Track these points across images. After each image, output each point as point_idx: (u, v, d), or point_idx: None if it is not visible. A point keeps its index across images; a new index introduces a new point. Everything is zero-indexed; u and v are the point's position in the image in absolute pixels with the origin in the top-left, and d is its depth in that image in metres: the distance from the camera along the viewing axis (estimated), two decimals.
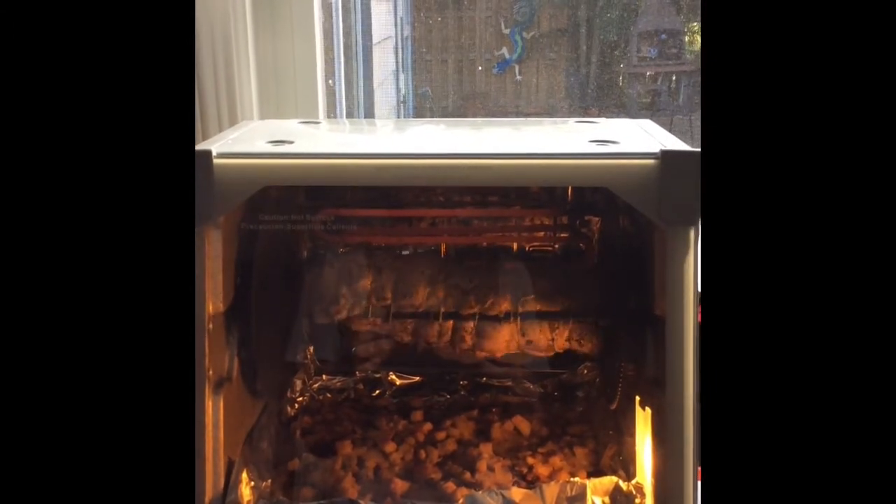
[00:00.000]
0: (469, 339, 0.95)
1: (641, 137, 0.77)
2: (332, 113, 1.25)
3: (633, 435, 0.80)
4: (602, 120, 0.90)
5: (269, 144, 0.73)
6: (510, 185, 0.75)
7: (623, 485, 0.74)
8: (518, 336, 0.95)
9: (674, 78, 1.50)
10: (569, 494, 0.72)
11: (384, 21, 1.54)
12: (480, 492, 0.73)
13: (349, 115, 1.34)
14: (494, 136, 0.88)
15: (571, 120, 0.91)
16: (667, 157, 0.65)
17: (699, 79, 0.56)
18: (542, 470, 0.85)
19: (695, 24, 1.43)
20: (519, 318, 0.94)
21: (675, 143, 0.71)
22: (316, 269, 0.94)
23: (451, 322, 0.94)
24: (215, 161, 0.67)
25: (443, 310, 0.93)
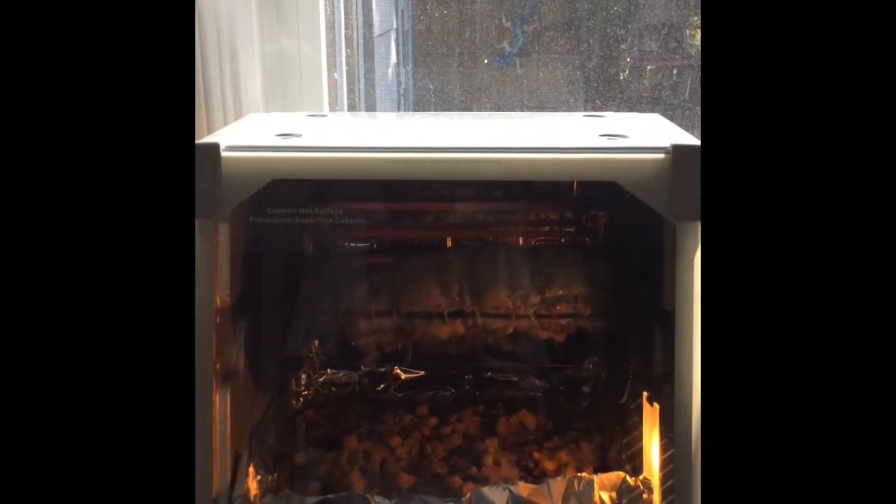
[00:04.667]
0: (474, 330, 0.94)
1: (650, 132, 0.77)
2: (335, 106, 1.25)
3: (639, 430, 0.80)
4: (610, 114, 0.89)
5: (277, 137, 0.73)
6: (520, 179, 0.75)
7: (630, 480, 0.74)
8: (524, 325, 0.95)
9: (675, 72, 1.50)
10: (576, 489, 0.72)
11: (385, 13, 1.53)
12: (487, 487, 0.73)
13: (351, 108, 1.33)
14: (502, 129, 0.88)
15: (579, 114, 0.91)
16: (678, 151, 0.65)
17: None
18: (549, 465, 0.85)
19: (697, 18, 1.42)
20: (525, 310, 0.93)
21: (685, 138, 0.70)
22: (322, 262, 0.94)
23: (457, 314, 0.94)
24: (223, 154, 0.67)
25: (448, 303, 0.93)
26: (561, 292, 0.92)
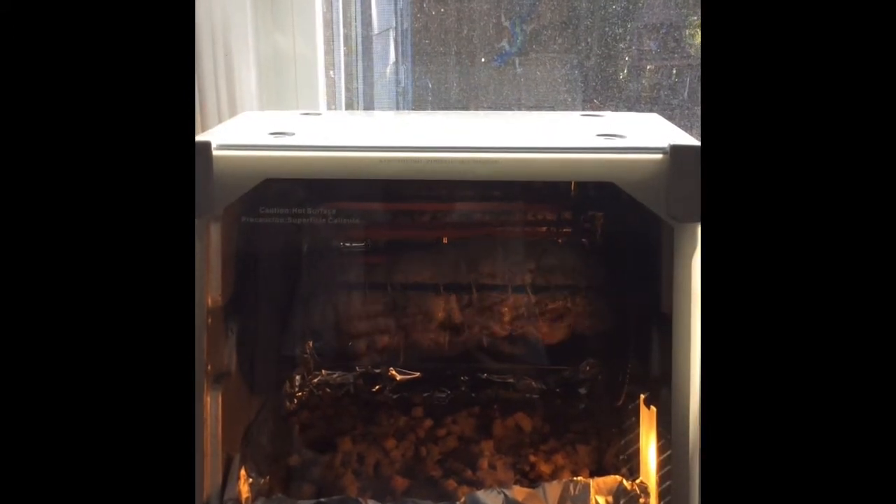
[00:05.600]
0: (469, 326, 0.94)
1: (648, 132, 0.76)
2: (332, 104, 1.24)
3: (636, 433, 0.79)
4: (608, 113, 0.89)
5: (270, 136, 0.72)
6: (515, 179, 0.74)
7: (627, 484, 0.73)
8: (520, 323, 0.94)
9: (675, 72, 1.49)
10: (572, 493, 0.72)
11: (384, 12, 1.53)
12: (482, 490, 0.72)
13: (349, 106, 1.33)
14: (499, 129, 0.87)
15: (577, 113, 0.90)
16: (675, 151, 0.64)
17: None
18: (545, 468, 0.84)
19: (696, 17, 1.42)
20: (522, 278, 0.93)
21: (684, 138, 0.70)
22: (315, 262, 0.93)
23: (453, 312, 0.93)
24: (215, 153, 0.66)
25: (443, 274, 0.93)
26: (556, 262, 0.93)
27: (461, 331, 0.94)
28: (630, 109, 1.37)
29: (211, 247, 0.69)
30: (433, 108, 1.45)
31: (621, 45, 1.40)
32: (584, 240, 0.95)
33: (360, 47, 1.41)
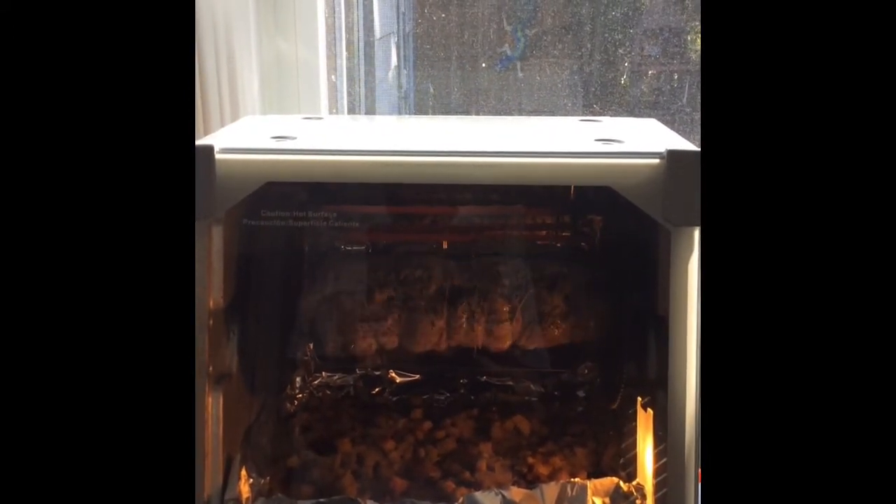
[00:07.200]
0: (469, 333, 0.94)
1: (646, 137, 0.77)
2: (333, 108, 1.25)
3: (633, 436, 0.80)
4: (606, 119, 0.89)
5: (272, 140, 0.73)
6: (514, 183, 0.75)
7: (623, 486, 0.74)
8: (518, 332, 0.94)
9: (676, 77, 1.50)
10: (569, 495, 0.72)
11: (386, 17, 1.53)
12: (480, 491, 0.73)
13: (351, 110, 1.33)
14: (498, 133, 0.88)
15: (576, 118, 0.91)
16: (672, 156, 0.65)
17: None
18: (542, 469, 0.85)
19: (696, 22, 1.42)
20: (519, 315, 0.93)
21: (681, 143, 0.70)
22: (316, 264, 0.94)
23: (452, 316, 0.93)
24: (217, 156, 0.67)
25: (444, 305, 0.93)
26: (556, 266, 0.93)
27: (461, 294, 0.93)
28: (630, 114, 1.38)
29: (213, 249, 0.70)
30: (434, 113, 1.46)
31: (621, 50, 1.41)
32: (582, 243, 0.95)
33: (362, 52, 1.42)
